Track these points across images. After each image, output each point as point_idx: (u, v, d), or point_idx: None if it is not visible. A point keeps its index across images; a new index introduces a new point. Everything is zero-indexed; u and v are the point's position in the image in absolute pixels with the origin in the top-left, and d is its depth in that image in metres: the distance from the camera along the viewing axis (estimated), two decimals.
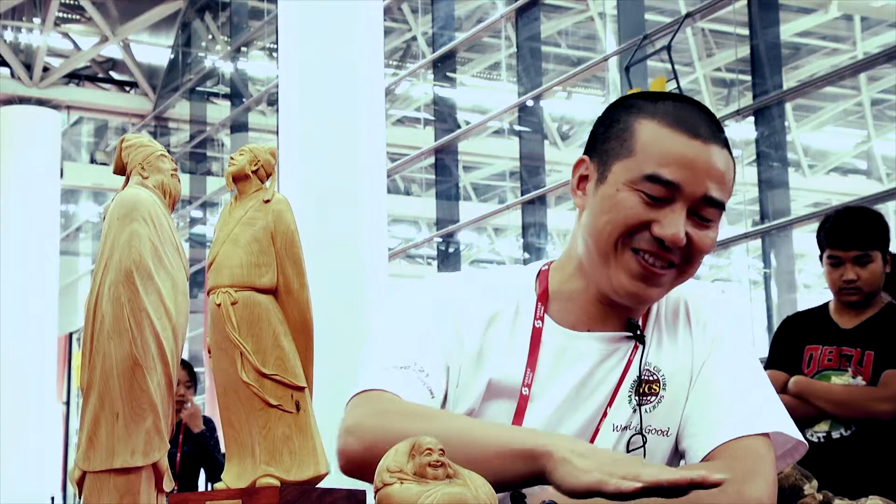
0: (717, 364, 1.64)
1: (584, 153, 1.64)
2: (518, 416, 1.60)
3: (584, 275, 1.64)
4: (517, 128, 13.76)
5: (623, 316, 1.65)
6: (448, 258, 15.02)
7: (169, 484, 1.18)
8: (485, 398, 1.61)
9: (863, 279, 3.55)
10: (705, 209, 1.55)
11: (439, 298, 1.66)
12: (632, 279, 1.56)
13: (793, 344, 3.69)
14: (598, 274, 1.60)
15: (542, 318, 1.65)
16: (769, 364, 3.70)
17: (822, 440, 3.55)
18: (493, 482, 1.14)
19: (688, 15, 11.10)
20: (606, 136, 1.61)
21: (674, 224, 1.52)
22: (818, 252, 3.66)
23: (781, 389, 3.54)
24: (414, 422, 1.45)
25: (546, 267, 1.72)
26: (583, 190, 1.63)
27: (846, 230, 3.56)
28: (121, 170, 1.25)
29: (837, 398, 3.51)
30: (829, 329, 3.65)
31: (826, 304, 3.74)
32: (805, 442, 1.65)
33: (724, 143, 1.58)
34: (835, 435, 3.54)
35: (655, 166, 1.53)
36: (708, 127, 1.57)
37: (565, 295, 1.66)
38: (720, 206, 1.56)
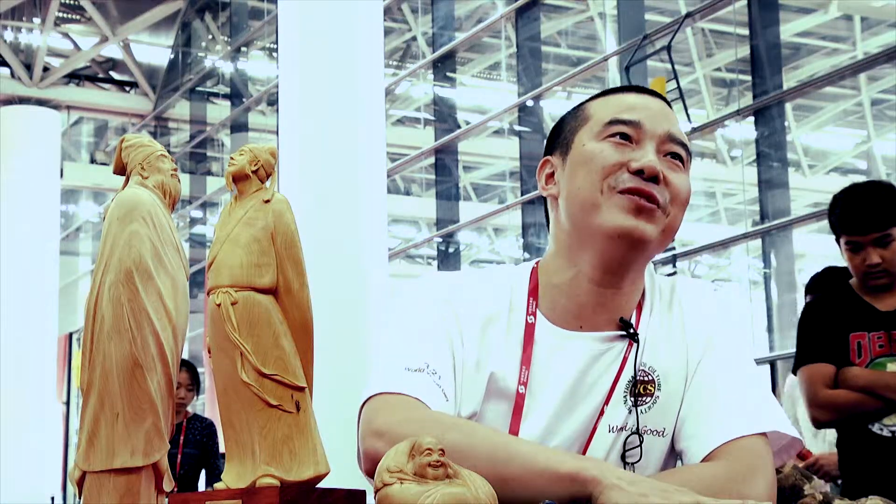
0: (713, 364, 1.64)
1: (545, 155, 1.74)
2: (516, 416, 1.60)
3: (571, 259, 1.64)
4: (517, 128, 13.77)
5: (615, 314, 1.64)
6: (448, 258, 15.03)
7: (169, 484, 1.18)
8: (484, 399, 1.61)
9: (887, 260, 3.29)
10: (672, 146, 1.64)
11: (442, 299, 1.66)
12: (625, 214, 1.59)
13: (831, 332, 3.38)
14: (590, 229, 1.61)
15: (534, 314, 1.65)
16: (807, 357, 3.41)
17: None
18: (529, 501, 1.13)
19: (688, 15, 11.11)
20: (561, 130, 1.73)
21: (646, 156, 1.61)
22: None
23: (831, 383, 3.32)
24: (451, 432, 1.44)
25: (537, 264, 1.72)
26: (552, 183, 1.70)
27: (860, 213, 3.30)
28: (121, 170, 1.25)
29: None
30: (867, 313, 3.35)
31: (848, 286, 3.45)
32: (801, 438, 1.65)
33: (668, 103, 1.73)
34: None
35: (614, 114, 1.65)
36: (650, 89, 1.74)
37: (555, 288, 1.66)
38: (684, 147, 1.65)
